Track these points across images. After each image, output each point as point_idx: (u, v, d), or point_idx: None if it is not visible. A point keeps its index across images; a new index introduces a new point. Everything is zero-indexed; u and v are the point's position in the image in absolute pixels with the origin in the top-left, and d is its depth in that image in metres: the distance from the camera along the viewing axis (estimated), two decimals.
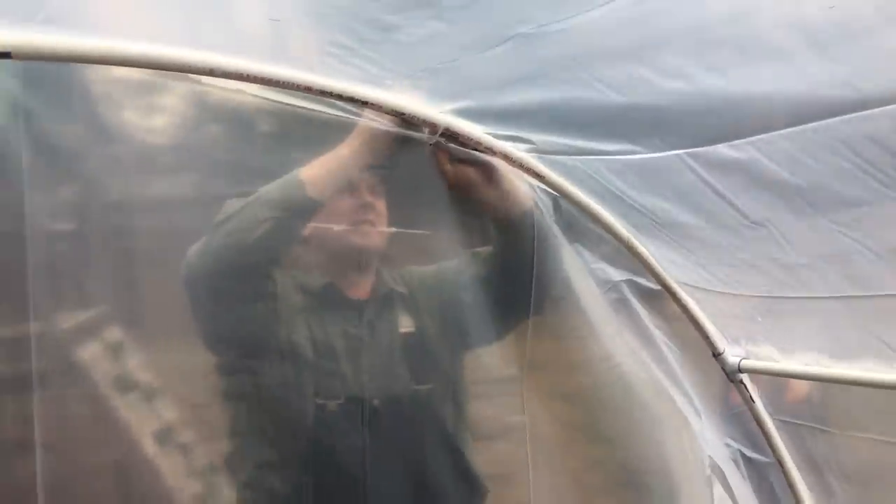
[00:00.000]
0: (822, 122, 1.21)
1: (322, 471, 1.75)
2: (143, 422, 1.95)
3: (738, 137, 1.32)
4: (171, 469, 2.00)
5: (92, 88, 1.64)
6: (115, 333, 1.87)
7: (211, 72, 1.38)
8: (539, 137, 1.62)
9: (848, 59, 1.11)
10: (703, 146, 1.39)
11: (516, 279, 1.88)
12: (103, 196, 1.71)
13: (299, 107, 1.51)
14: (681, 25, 1.14)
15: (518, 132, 1.59)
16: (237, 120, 1.71)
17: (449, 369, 1.91)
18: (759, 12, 1.07)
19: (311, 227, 1.74)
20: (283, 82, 1.45)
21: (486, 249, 1.91)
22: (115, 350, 1.89)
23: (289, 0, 1.26)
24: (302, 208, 1.66)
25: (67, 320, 1.84)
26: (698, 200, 1.55)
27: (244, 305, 1.70)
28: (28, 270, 1.72)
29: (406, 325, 1.86)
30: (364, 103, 1.48)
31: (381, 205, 1.78)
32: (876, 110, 1.16)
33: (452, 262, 1.93)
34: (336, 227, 1.77)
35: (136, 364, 1.94)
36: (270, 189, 1.64)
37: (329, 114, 1.57)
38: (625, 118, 1.42)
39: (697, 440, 2.23)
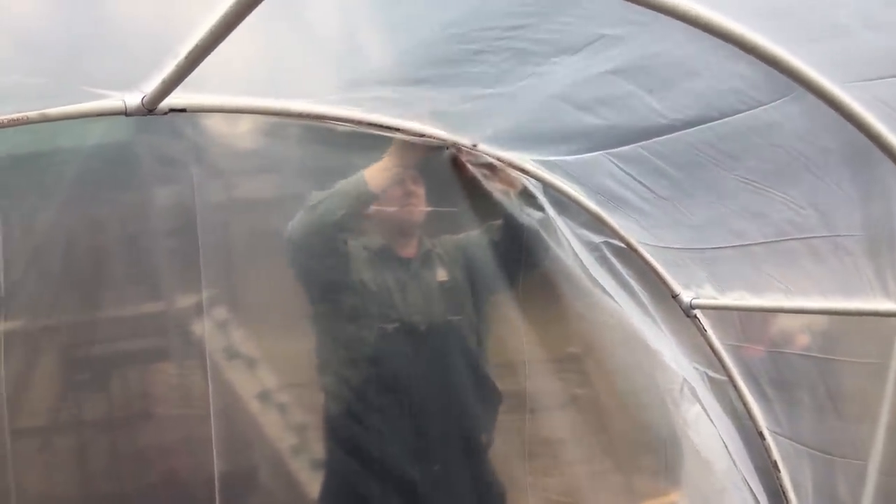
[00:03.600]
0: (672, 135, 1.93)
1: (382, 372, 2.52)
2: (246, 384, 2.60)
3: (627, 144, 2.05)
4: (271, 424, 2.63)
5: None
6: (221, 313, 2.50)
7: (310, 116, 2.24)
8: (518, 149, 2.39)
9: (667, 98, 1.83)
10: (612, 149, 2.12)
11: (517, 242, 2.64)
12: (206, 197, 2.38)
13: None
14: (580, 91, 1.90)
15: (502, 147, 2.37)
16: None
17: (473, 307, 2.67)
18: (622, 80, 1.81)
19: (373, 209, 2.54)
20: (354, 120, 2.29)
21: (497, 222, 2.68)
22: (222, 326, 2.50)
23: (369, 68, 2.05)
24: (366, 198, 2.46)
25: (184, 301, 2.47)
26: (625, 183, 2.28)
27: (326, 256, 2.49)
28: (151, 260, 2.41)
29: (442, 275, 2.64)
30: (398, 129, 2.27)
31: (420, 191, 2.57)
32: (699, 126, 1.88)
33: (475, 231, 2.71)
34: (390, 209, 2.56)
35: (239, 338, 2.58)
36: (344, 185, 2.44)
37: (379, 134, 2.36)
38: (565, 135, 2.17)
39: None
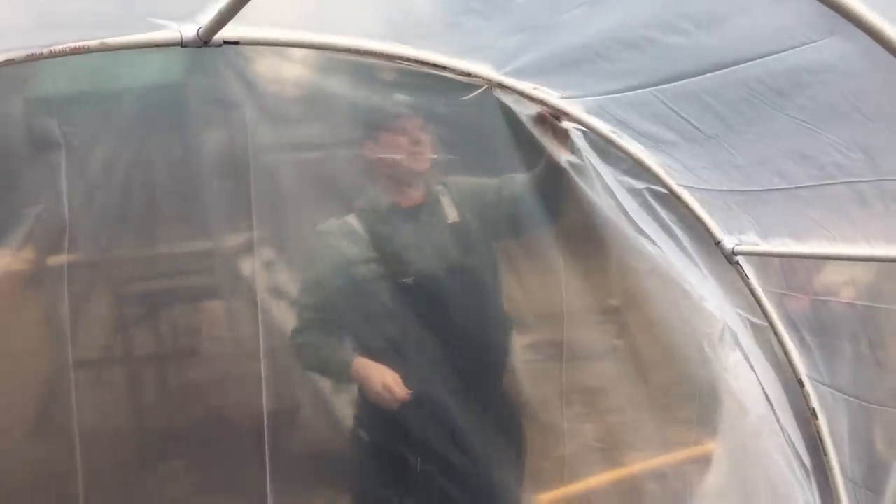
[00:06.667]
0: (722, 71, 1.93)
1: (405, 321, 2.62)
2: (291, 323, 2.69)
3: (675, 81, 2.05)
4: None
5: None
6: (268, 253, 2.60)
7: (359, 52, 2.29)
8: (564, 85, 2.39)
9: (718, 35, 1.83)
10: (659, 85, 2.12)
11: (541, 199, 2.69)
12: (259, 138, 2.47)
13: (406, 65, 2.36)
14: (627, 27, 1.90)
15: (547, 83, 2.38)
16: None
17: (485, 248, 2.74)
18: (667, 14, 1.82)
19: (379, 158, 2.62)
20: (404, 57, 2.34)
21: (521, 175, 2.71)
22: (269, 266, 2.61)
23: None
24: None
25: (231, 241, 2.56)
26: (670, 123, 2.28)
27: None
28: (204, 199, 2.48)
29: (452, 216, 2.70)
30: (444, 67, 2.30)
31: (426, 139, 2.61)
32: (750, 62, 1.87)
33: (494, 179, 2.74)
34: (397, 156, 2.62)
35: (284, 278, 2.69)
36: None
37: (425, 72, 2.39)
38: (611, 72, 2.18)
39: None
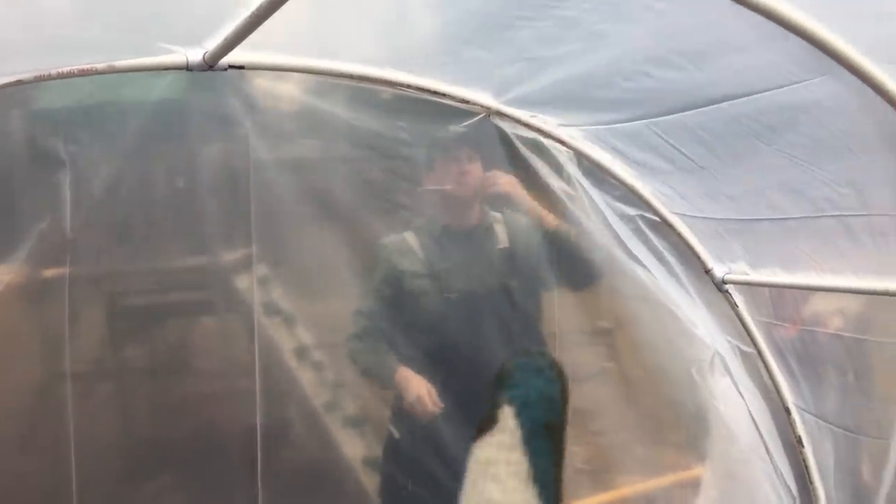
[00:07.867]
0: (714, 107, 1.98)
1: (446, 332, 2.77)
2: (284, 340, 2.82)
3: (670, 114, 2.10)
4: (306, 380, 2.85)
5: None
6: (262, 269, 2.69)
7: (360, 78, 2.32)
8: (561, 116, 2.44)
9: (711, 71, 1.88)
10: (654, 118, 2.17)
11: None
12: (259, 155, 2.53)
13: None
14: (625, 61, 1.95)
15: (544, 113, 2.43)
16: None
17: (529, 274, 2.87)
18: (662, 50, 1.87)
19: (430, 190, 2.80)
20: (404, 84, 2.38)
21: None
22: (263, 283, 2.70)
23: (418, 32, 2.15)
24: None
25: (227, 256, 2.66)
26: (664, 153, 2.32)
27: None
28: (204, 215, 2.53)
29: (503, 242, 2.84)
30: (443, 94, 2.35)
31: (474, 168, 2.77)
32: (742, 99, 1.92)
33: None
34: (447, 187, 2.77)
35: (278, 295, 2.79)
36: None
37: (424, 98, 2.44)
38: (608, 104, 2.23)
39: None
